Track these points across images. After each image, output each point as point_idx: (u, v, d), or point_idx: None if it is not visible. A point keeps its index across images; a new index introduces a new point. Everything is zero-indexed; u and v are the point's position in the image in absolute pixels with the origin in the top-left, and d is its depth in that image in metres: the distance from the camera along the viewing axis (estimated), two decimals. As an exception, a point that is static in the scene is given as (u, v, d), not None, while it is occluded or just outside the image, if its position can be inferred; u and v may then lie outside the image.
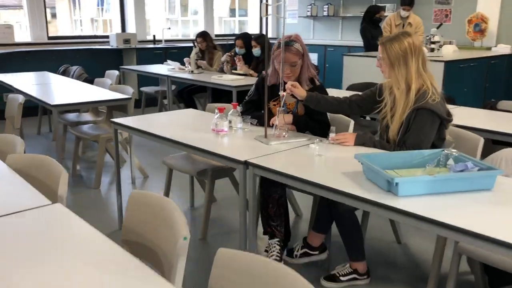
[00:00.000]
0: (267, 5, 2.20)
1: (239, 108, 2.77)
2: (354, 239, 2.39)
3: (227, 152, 2.25)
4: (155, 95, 6.43)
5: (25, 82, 4.65)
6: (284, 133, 2.47)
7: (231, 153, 2.22)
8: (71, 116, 4.59)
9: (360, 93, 2.60)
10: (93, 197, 3.70)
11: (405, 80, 2.19)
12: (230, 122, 2.69)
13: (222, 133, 2.57)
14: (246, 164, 2.11)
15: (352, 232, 2.39)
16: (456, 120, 2.39)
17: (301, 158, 2.21)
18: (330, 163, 2.14)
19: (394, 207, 1.59)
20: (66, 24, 16.95)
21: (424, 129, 2.18)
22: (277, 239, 2.51)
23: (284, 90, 2.45)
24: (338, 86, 5.93)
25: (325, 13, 8.74)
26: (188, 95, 6.01)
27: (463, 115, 3.08)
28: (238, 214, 2.46)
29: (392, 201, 1.63)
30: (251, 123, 2.75)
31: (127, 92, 3.97)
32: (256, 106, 2.84)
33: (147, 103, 6.72)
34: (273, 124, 2.51)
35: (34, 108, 5.22)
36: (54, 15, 18.64)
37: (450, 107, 3.22)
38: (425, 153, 1.99)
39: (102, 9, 15.76)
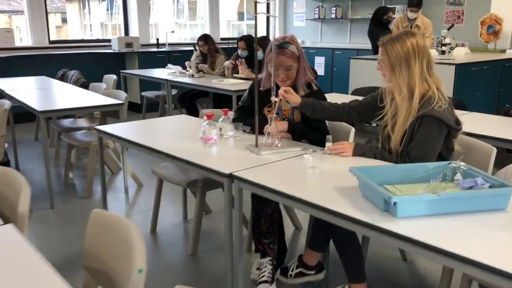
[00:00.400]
0: (256, 2, 2.01)
1: (230, 115, 2.58)
2: (353, 258, 2.18)
3: (212, 163, 2.05)
4: (156, 100, 6.27)
5: (19, 87, 4.51)
6: (276, 142, 2.27)
7: (216, 164, 2.02)
8: (66, 122, 4.44)
9: (360, 98, 2.39)
10: (82, 207, 3.52)
11: (408, 85, 1.97)
12: (220, 129, 2.50)
13: (211, 142, 2.38)
14: (232, 177, 1.92)
15: (351, 251, 2.18)
16: (466, 127, 2.18)
17: (293, 170, 2.01)
18: (324, 176, 1.93)
19: (390, 231, 1.38)
20: (77, 28, 17.01)
21: (429, 139, 1.96)
22: (269, 258, 2.31)
23: (277, 95, 2.26)
24: (346, 91, 5.72)
25: (333, 16, 8.53)
26: (190, 100, 5.84)
27: (475, 122, 2.87)
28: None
29: (388, 223, 1.42)
30: (243, 131, 2.56)
31: (120, 97, 3.80)
32: (249, 112, 2.64)
33: (150, 108, 6.58)
34: (268, 132, 2.32)
35: (32, 114, 5.09)
36: (64, 20, 18.69)
37: (461, 113, 3.01)
38: (429, 166, 1.77)
39: (111, 13, 15.77)
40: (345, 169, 1.85)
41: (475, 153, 2.18)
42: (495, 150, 2.13)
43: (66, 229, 3.13)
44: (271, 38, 2.24)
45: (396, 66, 1.98)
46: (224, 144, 2.40)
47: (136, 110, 6.98)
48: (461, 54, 5.84)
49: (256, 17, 2.05)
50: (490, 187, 1.56)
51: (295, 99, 2.29)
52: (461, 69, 4.90)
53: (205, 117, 2.39)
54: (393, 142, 2.07)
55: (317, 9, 8.79)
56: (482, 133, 2.50)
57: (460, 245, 1.28)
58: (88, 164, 4.41)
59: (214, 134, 2.38)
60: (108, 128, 2.75)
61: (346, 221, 1.51)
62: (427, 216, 1.46)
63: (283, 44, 2.36)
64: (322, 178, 1.92)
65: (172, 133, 2.70)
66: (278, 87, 2.34)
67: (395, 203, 1.44)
